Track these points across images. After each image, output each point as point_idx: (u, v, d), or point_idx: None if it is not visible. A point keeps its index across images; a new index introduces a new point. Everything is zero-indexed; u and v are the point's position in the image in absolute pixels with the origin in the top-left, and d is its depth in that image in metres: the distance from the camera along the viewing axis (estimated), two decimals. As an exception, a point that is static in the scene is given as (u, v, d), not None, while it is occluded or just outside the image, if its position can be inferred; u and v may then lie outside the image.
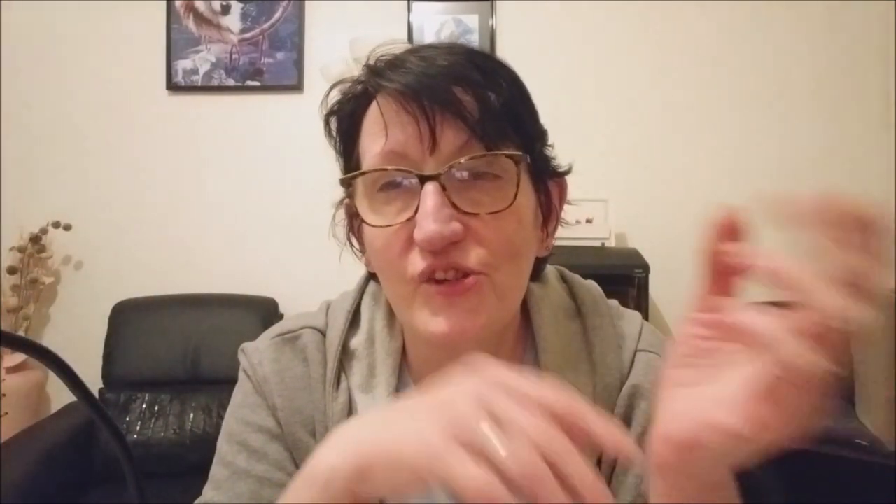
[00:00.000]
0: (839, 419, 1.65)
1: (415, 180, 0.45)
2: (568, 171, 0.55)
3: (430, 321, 0.46)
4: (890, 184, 2.09)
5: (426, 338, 0.47)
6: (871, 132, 2.11)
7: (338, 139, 0.53)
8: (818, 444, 1.61)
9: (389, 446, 0.32)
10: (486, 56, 0.50)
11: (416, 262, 0.46)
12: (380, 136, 0.47)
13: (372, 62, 0.49)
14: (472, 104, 0.46)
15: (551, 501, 0.26)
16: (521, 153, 0.47)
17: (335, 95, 0.52)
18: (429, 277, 0.46)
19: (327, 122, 0.53)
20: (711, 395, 0.32)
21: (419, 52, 0.48)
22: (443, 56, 0.47)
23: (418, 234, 0.44)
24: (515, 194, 0.46)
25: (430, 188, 0.44)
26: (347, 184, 0.51)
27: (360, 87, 0.50)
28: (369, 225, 0.48)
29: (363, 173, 0.48)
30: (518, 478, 0.26)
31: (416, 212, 0.45)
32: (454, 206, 0.45)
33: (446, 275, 0.45)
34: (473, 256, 0.45)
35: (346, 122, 0.52)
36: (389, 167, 0.46)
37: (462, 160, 0.45)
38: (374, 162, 0.47)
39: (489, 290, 0.46)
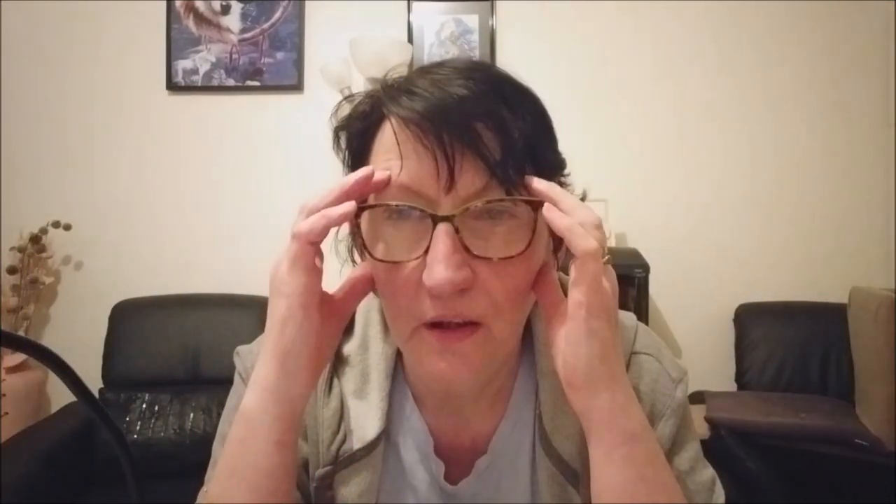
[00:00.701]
0: (839, 419, 1.65)
1: (425, 212, 0.44)
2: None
3: (426, 360, 0.46)
4: (890, 184, 2.09)
5: (423, 374, 0.48)
6: (871, 132, 2.12)
7: (347, 153, 0.51)
8: (818, 444, 1.62)
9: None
10: (510, 83, 0.47)
11: (425, 309, 0.45)
12: (393, 165, 0.45)
13: (384, 82, 0.48)
14: (493, 142, 0.43)
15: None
16: (539, 199, 0.45)
17: (345, 109, 0.50)
18: (431, 324, 0.45)
19: (336, 136, 0.51)
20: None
21: (430, 73, 0.46)
22: (459, 82, 0.44)
23: (428, 280, 0.42)
24: (529, 242, 0.44)
25: (443, 231, 0.42)
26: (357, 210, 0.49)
27: (369, 106, 0.48)
28: (376, 259, 0.46)
29: (373, 206, 0.45)
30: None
31: (426, 251, 0.43)
32: (466, 248, 0.43)
33: (454, 319, 0.45)
34: (479, 306, 0.44)
35: (356, 140, 0.49)
36: (401, 204, 0.44)
37: (479, 204, 0.43)
38: (387, 195, 0.45)
39: (487, 340, 0.46)
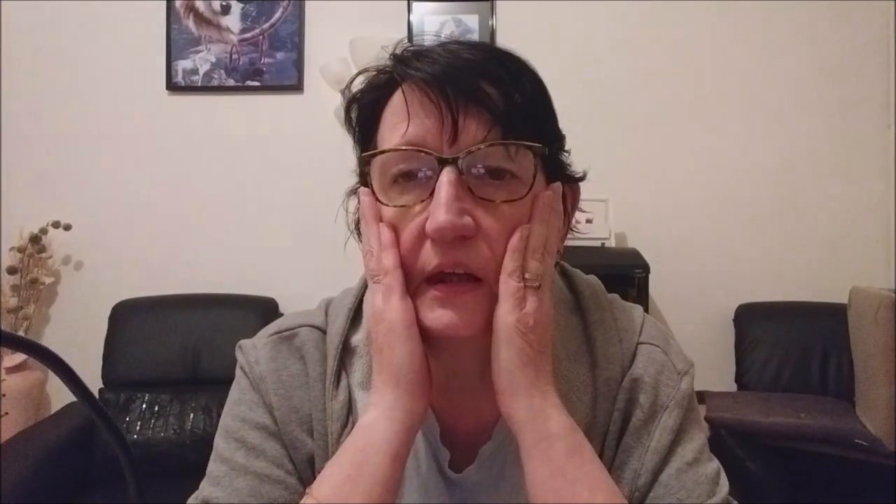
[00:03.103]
0: (839, 419, 1.65)
1: (431, 172, 0.46)
2: (582, 178, 0.55)
3: (431, 314, 0.47)
4: (890, 184, 2.09)
5: (425, 330, 0.48)
6: (871, 132, 2.11)
7: (357, 128, 0.53)
8: (818, 444, 1.62)
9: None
10: (511, 55, 0.50)
11: (426, 259, 0.46)
12: (401, 125, 0.47)
13: (398, 52, 0.50)
14: (496, 99, 0.46)
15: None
16: (540, 145, 0.47)
17: (358, 84, 0.52)
18: (434, 279, 0.47)
19: (348, 111, 0.53)
20: None
21: (444, 45, 0.49)
22: (468, 50, 0.47)
23: (430, 224, 0.44)
24: (531, 186, 0.47)
25: (447, 177, 0.44)
26: (365, 164, 0.51)
27: (384, 75, 0.50)
28: (383, 204, 0.48)
29: (382, 152, 0.48)
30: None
31: (430, 195, 0.45)
32: (470, 191, 0.45)
33: (455, 269, 0.46)
34: (480, 257, 0.46)
35: (366, 111, 0.51)
36: (409, 147, 0.46)
37: (482, 146, 0.45)
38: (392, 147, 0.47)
39: (488, 296, 0.47)
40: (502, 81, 0.46)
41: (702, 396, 1.82)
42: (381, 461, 0.45)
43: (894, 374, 1.54)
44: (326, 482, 0.46)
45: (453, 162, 0.45)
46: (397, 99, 0.48)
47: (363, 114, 0.52)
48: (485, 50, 0.48)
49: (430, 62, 0.46)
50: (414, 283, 0.48)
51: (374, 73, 0.51)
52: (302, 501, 0.46)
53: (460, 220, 0.44)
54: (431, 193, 0.45)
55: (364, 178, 0.52)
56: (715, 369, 2.06)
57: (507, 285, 0.46)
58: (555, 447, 0.46)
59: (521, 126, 0.46)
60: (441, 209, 0.43)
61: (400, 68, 0.48)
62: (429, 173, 0.46)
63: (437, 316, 0.47)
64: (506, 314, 0.46)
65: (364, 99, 0.51)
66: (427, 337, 0.48)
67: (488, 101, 0.45)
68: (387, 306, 0.47)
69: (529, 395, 0.46)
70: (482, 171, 0.46)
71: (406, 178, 0.47)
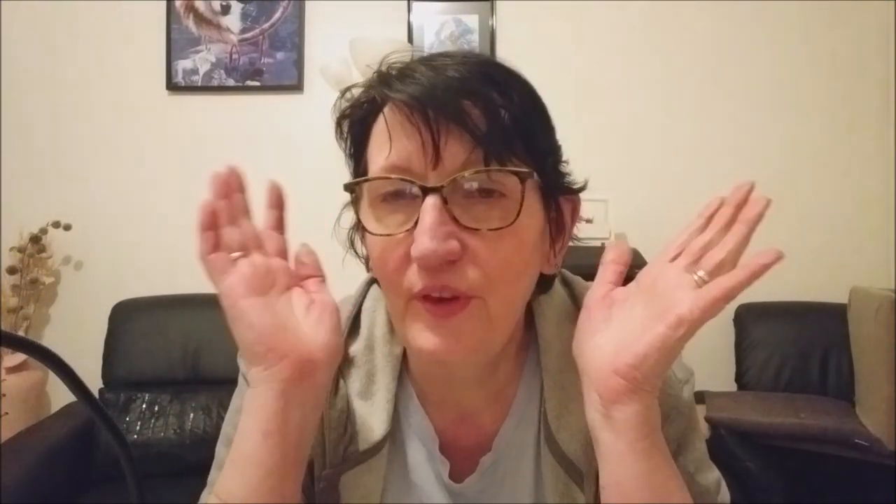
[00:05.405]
0: (839, 419, 1.65)
1: (418, 191, 0.45)
2: (582, 188, 0.53)
3: (420, 336, 0.46)
4: (890, 183, 2.09)
5: (415, 351, 0.48)
6: (872, 132, 2.11)
7: (348, 142, 0.52)
8: (818, 444, 1.62)
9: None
10: (501, 68, 0.48)
11: (412, 280, 0.45)
12: (385, 147, 0.46)
13: (382, 69, 0.48)
14: (479, 118, 0.44)
15: None
16: (527, 170, 0.45)
17: (346, 99, 0.51)
18: (423, 296, 0.46)
19: (339, 126, 0.52)
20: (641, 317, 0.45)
21: (431, 60, 0.47)
22: (454, 67, 0.45)
23: (415, 251, 0.43)
24: (518, 213, 0.45)
25: (431, 203, 0.43)
26: (352, 189, 0.50)
27: (368, 94, 0.49)
28: (370, 233, 0.47)
29: (366, 180, 0.47)
30: None
31: (415, 224, 0.44)
32: (455, 220, 0.44)
33: (441, 293, 0.45)
34: (468, 279, 0.45)
35: (356, 128, 0.51)
36: (392, 176, 0.45)
37: (465, 174, 0.44)
38: (378, 173, 0.47)
39: (480, 315, 0.46)
40: (487, 99, 0.44)
41: (702, 396, 1.82)
42: (253, 439, 0.45)
43: (894, 374, 1.54)
44: (221, 474, 0.47)
45: (436, 190, 0.43)
46: (382, 120, 0.47)
47: (353, 130, 0.51)
48: (472, 65, 0.46)
49: (412, 82, 0.45)
50: (402, 300, 0.47)
51: (360, 90, 0.50)
52: (209, 502, 0.46)
53: (445, 246, 0.43)
54: (416, 221, 0.44)
55: (353, 193, 0.52)
56: (715, 369, 2.05)
57: (720, 305, 0.43)
58: (657, 441, 0.45)
59: (506, 145, 0.45)
60: (425, 235, 0.42)
61: (381, 90, 0.46)
62: (415, 191, 0.45)
63: (428, 339, 0.46)
64: (692, 318, 0.42)
65: (352, 115, 0.51)
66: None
67: (470, 122, 0.44)
68: (217, 288, 0.48)
69: (655, 385, 0.44)
70: (469, 189, 0.45)
71: (394, 197, 0.46)
